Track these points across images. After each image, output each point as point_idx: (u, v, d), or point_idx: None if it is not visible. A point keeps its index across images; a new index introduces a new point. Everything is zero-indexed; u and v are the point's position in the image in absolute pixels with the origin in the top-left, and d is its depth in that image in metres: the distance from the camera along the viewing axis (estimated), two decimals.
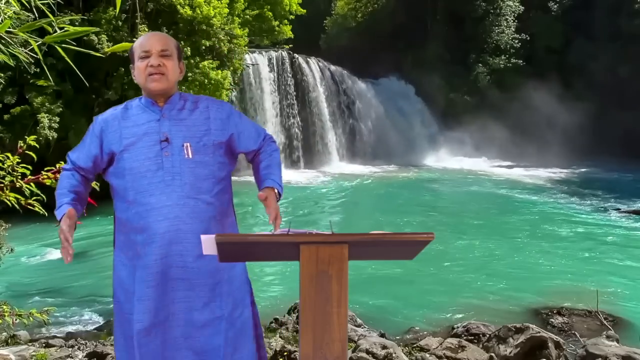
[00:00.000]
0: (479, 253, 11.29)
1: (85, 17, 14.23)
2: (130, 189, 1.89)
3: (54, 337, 6.47)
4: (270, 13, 24.03)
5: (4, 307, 3.20)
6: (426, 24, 30.39)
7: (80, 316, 7.90)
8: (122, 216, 1.94)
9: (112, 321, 2.07)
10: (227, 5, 17.93)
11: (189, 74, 16.37)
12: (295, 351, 4.42)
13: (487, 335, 6.01)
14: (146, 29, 16.19)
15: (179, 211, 1.86)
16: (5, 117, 14.35)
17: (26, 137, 2.67)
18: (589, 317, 7.42)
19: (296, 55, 24.65)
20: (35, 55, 2.17)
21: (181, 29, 17.13)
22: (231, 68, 18.54)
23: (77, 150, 2.01)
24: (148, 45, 1.92)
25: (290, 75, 24.05)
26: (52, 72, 12.59)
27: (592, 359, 5.05)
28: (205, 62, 16.76)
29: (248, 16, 22.08)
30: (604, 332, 5.82)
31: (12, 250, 5.71)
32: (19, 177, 2.58)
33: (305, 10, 26.04)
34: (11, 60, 2.18)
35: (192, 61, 16.49)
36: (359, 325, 6.46)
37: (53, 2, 2.24)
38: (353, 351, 4.56)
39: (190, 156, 1.90)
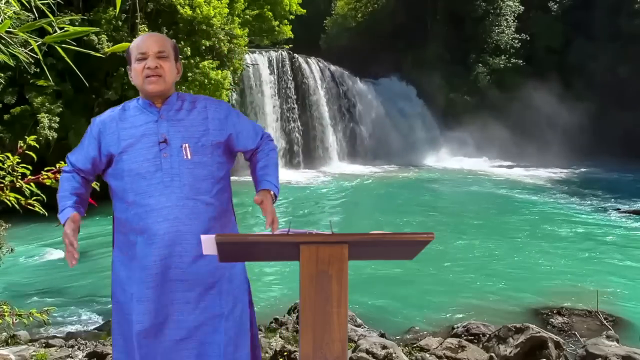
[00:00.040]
0: (479, 253, 11.29)
1: (85, 17, 14.23)
2: (129, 190, 1.89)
3: (54, 337, 6.47)
4: (270, 13, 24.04)
5: (4, 307, 3.20)
6: (426, 24, 30.39)
7: (80, 316, 7.90)
8: (121, 216, 1.94)
9: (111, 321, 2.07)
10: (227, 5, 17.93)
11: (189, 74, 16.37)
12: (295, 351, 4.42)
13: (487, 335, 6.01)
14: (146, 29, 16.19)
15: (178, 212, 1.86)
16: (5, 117, 14.36)
17: (26, 137, 2.66)
18: (589, 317, 7.42)
19: (296, 56, 24.65)
20: (35, 55, 2.17)
21: (181, 29, 17.13)
22: (231, 68, 18.55)
23: (76, 152, 2.01)
24: (145, 47, 1.90)
25: (290, 76, 24.05)
26: (52, 72, 12.60)
27: (592, 359, 5.05)
28: (205, 62, 16.76)
29: (248, 16, 22.08)
30: (604, 332, 5.81)
31: (12, 250, 5.72)
32: (19, 177, 2.58)
33: (305, 10, 26.04)
34: (11, 60, 2.18)
35: (192, 61, 16.49)
36: (359, 325, 6.46)
37: (53, 2, 2.24)
38: (353, 351, 4.56)
39: (189, 157, 1.89)
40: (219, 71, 17.07)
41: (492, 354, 5.06)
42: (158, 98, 1.94)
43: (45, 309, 3.29)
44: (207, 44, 17.26)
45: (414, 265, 9.39)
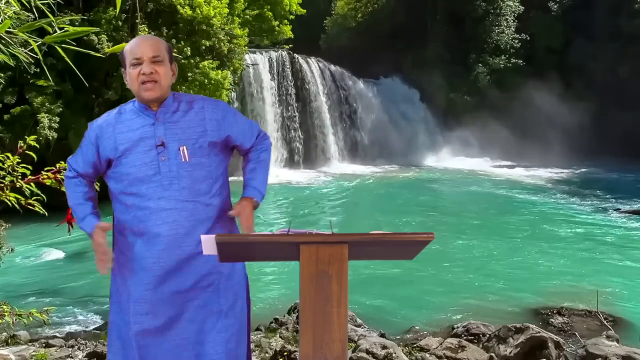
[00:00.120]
0: (479, 253, 11.29)
1: (85, 17, 14.23)
2: (128, 193, 1.90)
3: (54, 337, 6.48)
4: (270, 13, 24.03)
5: (4, 307, 3.20)
6: (426, 24, 30.38)
7: (80, 316, 7.90)
8: (121, 218, 1.95)
9: (108, 322, 2.06)
10: (227, 5, 17.93)
11: (189, 74, 16.37)
12: (295, 351, 4.42)
13: (487, 335, 6.01)
14: (146, 29, 16.19)
15: (177, 215, 1.87)
16: (5, 117, 14.36)
17: (26, 137, 2.66)
18: (589, 317, 7.42)
19: (296, 56, 24.64)
20: (35, 55, 2.17)
21: (181, 29, 17.13)
22: (231, 68, 18.55)
23: (76, 156, 2.02)
24: (139, 52, 1.89)
25: (290, 76, 24.05)
26: (52, 72, 12.59)
27: (592, 359, 5.04)
28: (205, 62, 16.76)
29: (248, 16, 22.08)
30: (604, 332, 5.81)
31: (12, 250, 5.71)
32: (19, 177, 2.58)
33: (305, 10, 26.03)
34: (11, 60, 2.18)
35: (192, 61, 16.49)
36: (359, 325, 6.46)
37: (53, 2, 2.24)
38: (353, 351, 4.56)
39: (187, 159, 1.90)
40: (219, 71, 17.07)
41: (492, 354, 5.06)
42: (154, 102, 1.93)
43: (45, 309, 3.29)
44: (207, 44, 17.26)
45: (414, 265, 9.39)
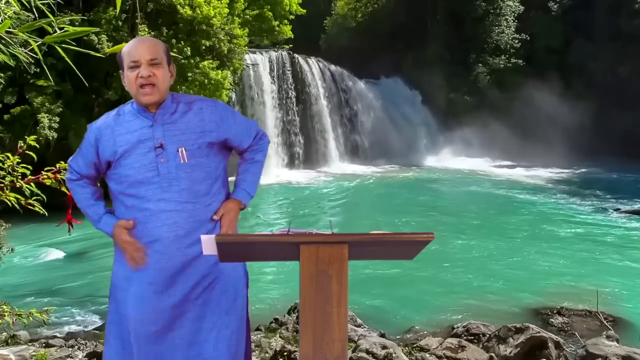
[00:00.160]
0: (479, 253, 11.30)
1: (85, 17, 14.23)
2: (128, 195, 1.91)
3: (54, 337, 6.48)
4: (270, 13, 24.03)
5: (4, 307, 3.20)
6: (426, 24, 30.38)
7: (80, 316, 7.91)
8: (122, 216, 1.96)
9: (107, 321, 2.05)
10: (227, 5, 17.92)
11: (189, 74, 16.37)
12: (295, 351, 4.42)
13: (487, 335, 6.01)
14: (146, 29, 16.19)
15: (177, 216, 1.88)
16: (5, 117, 14.36)
17: (26, 137, 2.66)
18: (589, 317, 7.42)
19: (296, 55, 24.64)
20: (35, 55, 2.17)
21: (181, 29, 17.13)
22: (231, 68, 18.54)
23: (76, 159, 2.02)
24: (137, 55, 1.88)
25: (290, 75, 24.04)
26: (52, 72, 12.59)
27: (592, 359, 5.04)
28: (205, 62, 16.76)
29: (248, 16, 22.07)
30: (604, 332, 5.81)
31: (12, 250, 5.72)
32: (19, 177, 2.58)
33: (305, 10, 26.03)
34: (11, 60, 2.18)
35: (192, 61, 16.49)
36: (359, 325, 6.46)
37: (53, 2, 2.24)
38: (353, 351, 4.56)
39: (186, 160, 1.90)
40: (219, 71, 17.07)
41: (492, 354, 5.06)
42: (153, 105, 1.93)
43: (45, 309, 3.29)
44: (207, 44, 17.26)
45: (414, 265, 9.39)
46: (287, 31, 25.14)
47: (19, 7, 2.18)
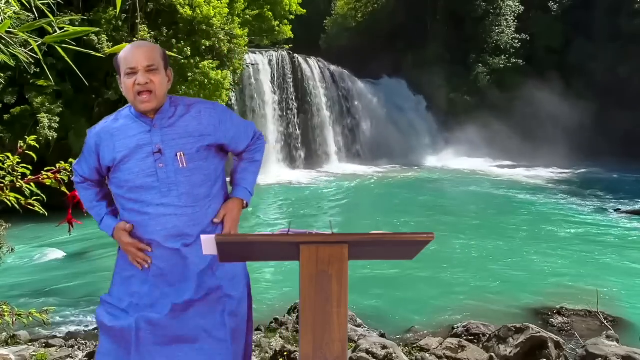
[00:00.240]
0: (479, 253, 11.30)
1: (85, 17, 14.23)
2: (128, 199, 1.92)
3: (54, 337, 6.49)
4: (270, 13, 24.03)
5: (4, 307, 3.20)
6: (426, 24, 30.38)
7: (80, 316, 7.91)
8: (122, 219, 1.97)
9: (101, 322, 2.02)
10: (227, 5, 17.92)
11: (189, 74, 16.37)
12: (295, 351, 4.43)
13: (487, 335, 6.01)
14: (146, 29, 16.19)
15: (177, 221, 1.88)
16: (5, 117, 14.36)
17: (26, 137, 2.66)
18: (589, 317, 7.42)
19: (296, 55, 24.64)
20: (35, 55, 2.17)
21: (181, 29, 17.13)
22: (231, 68, 18.54)
23: (80, 162, 2.04)
24: (134, 62, 1.87)
25: (290, 76, 24.04)
26: (52, 72, 12.59)
27: (592, 359, 5.05)
28: (205, 62, 16.76)
29: (248, 16, 22.07)
30: (604, 332, 5.81)
31: (12, 250, 5.72)
32: (19, 177, 2.58)
33: (305, 10, 26.02)
34: (11, 60, 2.18)
35: (192, 61, 16.49)
36: (359, 325, 6.46)
37: (53, 2, 2.24)
38: (353, 351, 4.56)
39: (185, 165, 1.90)
40: (219, 71, 17.07)
41: (492, 354, 5.06)
42: (151, 112, 1.92)
43: (45, 309, 3.29)
44: (207, 44, 17.26)
45: (414, 266, 9.38)
46: (287, 31, 25.14)
47: (19, 7, 2.18)
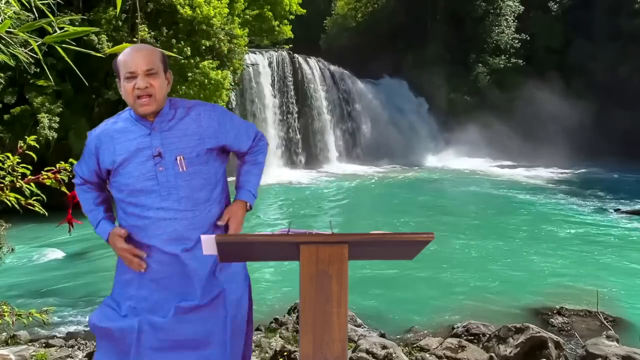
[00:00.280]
0: (479, 253, 11.29)
1: (85, 17, 14.23)
2: (128, 203, 1.91)
3: (54, 337, 6.49)
4: (270, 13, 24.03)
5: (4, 307, 3.20)
6: (426, 24, 30.39)
7: (80, 316, 7.91)
8: (123, 223, 1.97)
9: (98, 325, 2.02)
10: (227, 5, 17.93)
11: (189, 74, 16.37)
12: (295, 351, 4.43)
13: (487, 335, 6.01)
14: (146, 29, 16.19)
15: (176, 225, 1.88)
16: (5, 117, 14.36)
17: (26, 137, 2.66)
18: (589, 317, 7.42)
19: (296, 55, 24.64)
20: (35, 55, 2.17)
21: (181, 29, 17.14)
22: (231, 68, 18.54)
23: (80, 165, 2.03)
24: (133, 66, 1.86)
25: (290, 76, 24.04)
26: (52, 72, 12.59)
27: (592, 359, 5.05)
28: (205, 62, 16.77)
29: (248, 16, 22.08)
30: (604, 332, 5.82)
31: (12, 250, 5.72)
32: (19, 177, 2.58)
33: (305, 10, 26.03)
34: (11, 60, 2.18)
35: (192, 61, 16.49)
36: (359, 325, 6.46)
37: (53, 2, 2.24)
38: (353, 351, 4.56)
39: (184, 169, 1.89)
40: (219, 71, 17.07)
41: (492, 354, 5.06)
42: (150, 115, 1.92)
43: (45, 309, 3.29)
44: (207, 44, 17.26)
45: (414, 266, 9.39)
46: (287, 31, 25.15)
47: (19, 7, 2.17)
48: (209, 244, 1.58)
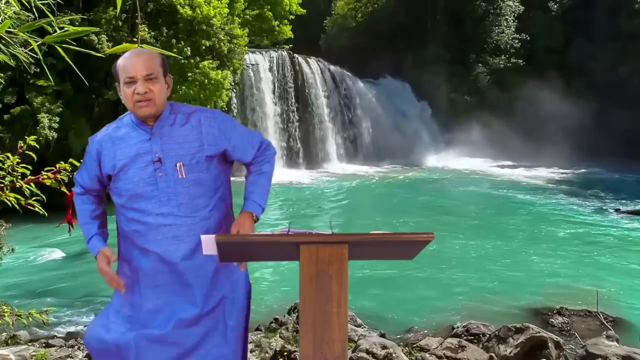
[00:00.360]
0: (479, 253, 11.29)
1: (85, 17, 14.24)
2: (128, 208, 1.91)
3: (54, 337, 6.48)
4: (270, 13, 24.04)
5: (4, 307, 3.20)
6: (426, 24, 30.39)
7: (80, 316, 7.90)
8: (124, 228, 1.96)
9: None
10: (227, 5, 17.93)
11: (189, 74, 16.37)
12: (295, 351, 4.42)
13: (487, 335, 6.01)
14: (146, 29, 16.19)
15: (176, 230, 1.88)
16: (5, 117, 14.36)
17: (26, 137, 2.66)
18: (589, 317, 7.42)
19: (296, 55, 24.64)
20: (35, 55, 2.17)
21: (181, 29, 17.14)
22: (231, 68, 18.55)
23: (81, 172, 2.02)
24: (133, 71, 1.85)
25: (291, 77, 24.04)
26: (52, 72, 12.59)
27: (592, 359, 5.04)
28: (205, 62, 16.77)
29: (248, 16, 22.08)
30: (604, 332, 5.81)
31: (12, 250, 5.71)
32: (19, 177, 2.58)
33: (305, 10, 26.04)
34: (11, 60, 2.18)
35: (192, 61, 16.49)
36: (359, 325, 6.46)
37: (53, 2, 2.24)
38: (353, 351, 4.56)
39: (184, 176, 1.88)
40: (219, 71, 17.08)
41: (492, 354, 5.06)
42: (150, 118, 1.91)
43: (45, 309, 3.29)
44: (207, 44, 17.27)
45: (414, 266, 9.38)
46: (287, 31, 25.16)
47: (19, 7, 2.17)
48: (209, 244, 1.58)
